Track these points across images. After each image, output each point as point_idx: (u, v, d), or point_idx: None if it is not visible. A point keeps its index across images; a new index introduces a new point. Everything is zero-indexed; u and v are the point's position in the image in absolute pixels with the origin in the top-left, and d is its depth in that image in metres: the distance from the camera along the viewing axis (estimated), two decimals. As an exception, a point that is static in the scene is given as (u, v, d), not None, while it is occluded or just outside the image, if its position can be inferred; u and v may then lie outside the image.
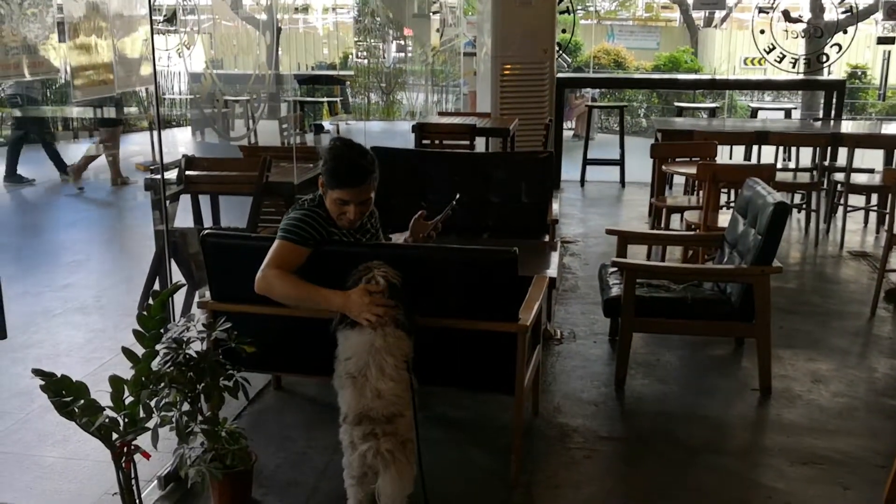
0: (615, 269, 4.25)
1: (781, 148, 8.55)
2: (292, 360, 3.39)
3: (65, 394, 2.32)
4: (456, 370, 3.21)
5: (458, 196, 3.59)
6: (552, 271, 4.15)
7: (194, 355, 2.76)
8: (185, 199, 5.02)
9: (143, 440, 2.66)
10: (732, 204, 7.25)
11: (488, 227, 5.27)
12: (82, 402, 2.31)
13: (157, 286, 4.22)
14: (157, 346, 2.68)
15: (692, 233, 5.41)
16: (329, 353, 2.89)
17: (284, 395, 3.97)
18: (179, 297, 4.28)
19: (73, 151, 10.27)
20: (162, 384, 2.52)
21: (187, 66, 5.79)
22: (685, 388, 4.11)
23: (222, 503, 2.99)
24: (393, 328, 2.73)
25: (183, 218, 5.19)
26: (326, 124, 11.77)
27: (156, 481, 3.10)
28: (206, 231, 3.20)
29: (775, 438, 3.61)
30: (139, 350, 2.63)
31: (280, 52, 8.25)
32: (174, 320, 3.08)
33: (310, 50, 17.26)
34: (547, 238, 5.05)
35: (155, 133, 5.89)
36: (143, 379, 2.49)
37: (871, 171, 7.52)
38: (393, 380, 2.72)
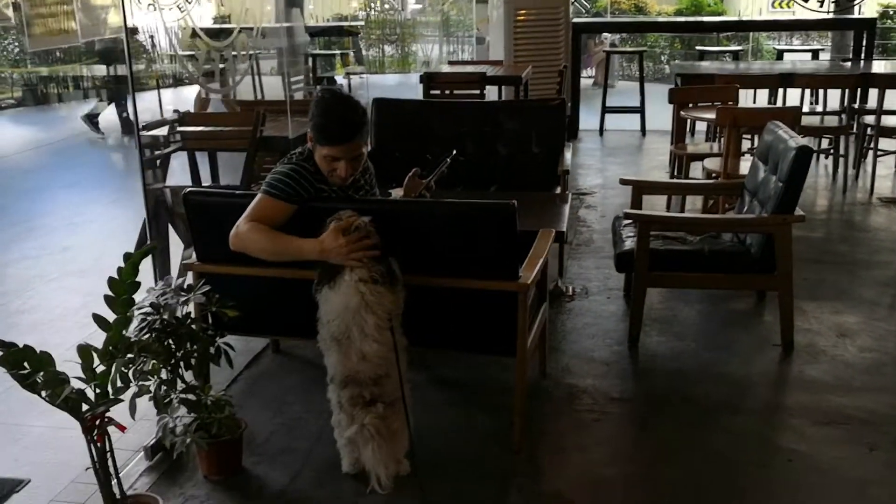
0: (629, 220, 4.03)
1: (808, 91, 8.21)
2: (283, 323, 3.23)
3: (26, 365, 2.17)
4: (454, 332, 3.04)
5: (454, 152, 3.38)
6: (560, 225, 3.94)
7: (173, 321, 2.60)
8: (184, 158, 4.86)
9: (122, 411, 2.52)
10: (754, 150, 6.97)
11: (496, 179, 5.06)
12: (42, 373, 2.16)
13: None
14: (135, 312, 2.53)
15: (709, 181, 5.16)
16: (316, 314, 2.73)
17: (283, 358, 3.82)
18: (176, 259, 4.17)
19: (81, 111, 10.15)
20: (133, 353, 2.36)
21: (190, 20, 5.59)
22: (703, 345, 3.91)
23: (210, 473, 2.86)
24: (371, 284, 2.55)
25: (181, 177, 5.04)
26: (339, 78, 11.51)
27: (142, 452, 2.97)
28: (189, 189, 3.03)
29: (797, 397, 3.41)
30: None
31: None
32: (161, 279, 2.92)
33: (325, 1, 16.91)
34: (558, 190, 4.83)
35: (157, 91, 5.71)
36: (112, 348, 2.33)
37: (902, 112, 7.18)
38: (377, 341, 2.58)
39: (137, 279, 2.45)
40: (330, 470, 2.89)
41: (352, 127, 2.80)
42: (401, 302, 2.68)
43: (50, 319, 4.37)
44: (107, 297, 2.44)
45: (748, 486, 2.82)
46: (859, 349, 3.82)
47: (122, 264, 2.47)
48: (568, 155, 5.02)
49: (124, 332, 2.47)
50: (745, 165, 5.25)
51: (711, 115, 5.56)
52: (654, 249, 3.79)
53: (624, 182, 4.51)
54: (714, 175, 5.30)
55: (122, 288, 2.43)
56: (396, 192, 3.65)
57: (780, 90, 7.22)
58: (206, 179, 4.95)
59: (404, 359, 2.72)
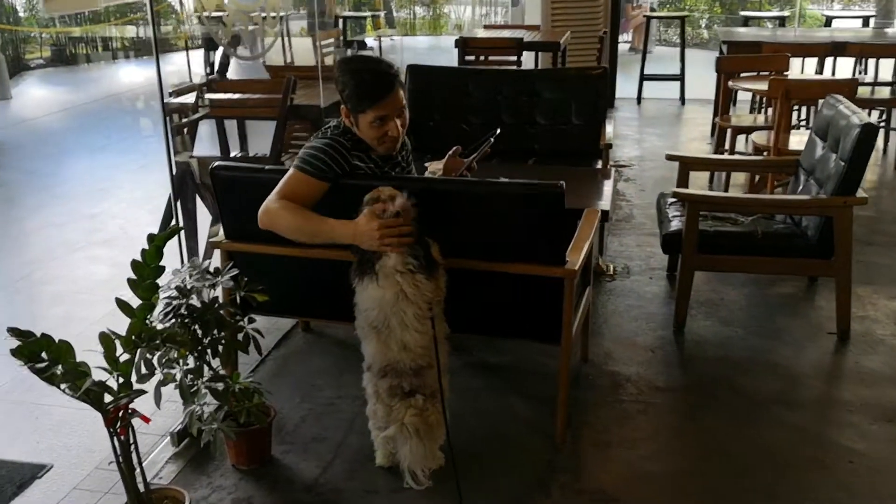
0: (675, 199, 3.83)
1: (856, 60, 7.88)
2: (315, 305, 3.09)
3: (44, 356, 2.03)
4: (496, 318, 2.88)
5: (497, 130, 3.18)
6: (605, 203, 3.74)
7: (198, 305, 2.46)
8: (212, 125, 4.71)
9: (146, 400, 2.40)
10: (803, 123, 6.69)
11: (535, 151, 4.88)
12: (61, 365, 2.03)
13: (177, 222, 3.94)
14: (160, 295, 2.39)
15: (762, 157, 4.93)
16: (352, 296, 2.58)
17: (312, 338, 3.69)
18: (204, 232, 4.03)
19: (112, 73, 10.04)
20: (158, 340, 2.23)
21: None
22: (751, 331, 3.72)
23: (239, 462, 2.74)
24: (408, 275, 2.39)
25: (209, 145, 4.89)
26: (369, 40, 11.28)
27: (168, 437, 2.86)
28: (216, 163, 2.87)
29: (855, 390, 3.22)
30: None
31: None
32: (188, 261, 2.78)
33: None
34: (599, 164, 4.63)
35: (185, 54, 5.51)
36: (136, 336, 2.20)
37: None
38: (417, 331, 2.43)
39: (162, 261, 2.30)
40: (363, 461, 2.76)
41: (387, 77, 2.64)
42: (442, 288, 2.52)
43: (75, 291, 4.26)
44: (130, 281, 2.30)
45: (806, 488, 2.65)
46: (919, 339, 3.62)
47: (147, 245, 2.33)
48: (609, 127, 4.81)
49: (148, 317, 2.33)
50: (794, 140, 5.01)
51: (762, 86, 5.30)
52: (703, 231, 3.59)
53: (671, 158, 4.30)
54: (762, 150, 5.06)
55: (146, 271, 2.28)
56: (433, 166, 3.48)
57: (830, 59, 6.92)
58: (234, 148, 4.81)
59: (445, 348, 2.57)
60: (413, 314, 2.40)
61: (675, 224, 3.72)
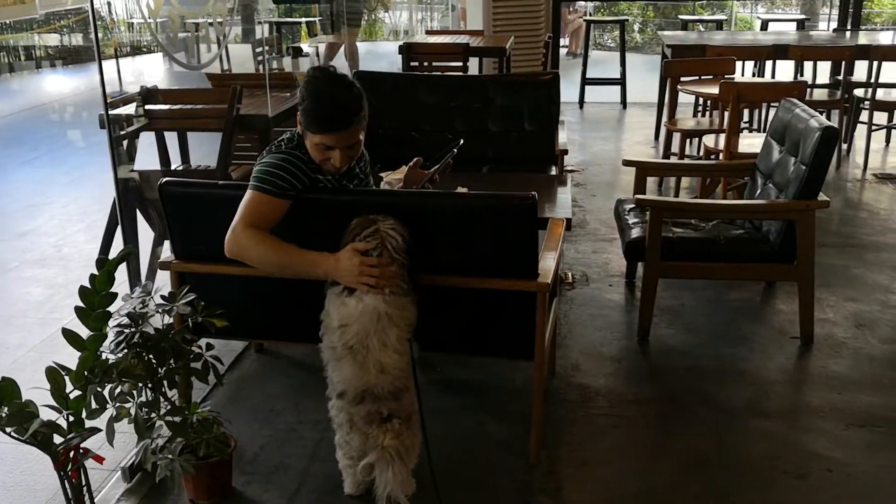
0: (636, 206, 3.77)
1: (793, 63, 8.00)
2: (275, 327, 2.92)
3: (-14, 397, 1.85)
4: (466, 335, 2.76)
5: (460, 141, 3.07)
6: (566, 211, 3.66)
7: (153, 333, 2.29)
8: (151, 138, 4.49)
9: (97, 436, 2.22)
10: (746, 125, 6.75)
11: (488, 158, 4.78)
12: (6, 407, 1.84)
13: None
14: (110, 325, 2.21)
15: (714, 161, 4.92)
16: (316, 316, 2.44)
17: (267, 360, 3.52)
18: (145, 252, 3.82)
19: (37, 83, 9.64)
20: (113, 374, 2.05)
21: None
22: (716, 338, 3.68)
23: (198, 497, 2.56)
24: (398, 296, 2.27)
25: (148, 158, 4.67)
26: (305, 46, 11.07)
27: (119, 472, 2.67)
28: (166, 178, 2.70)
29: (825, 396, 3.19)
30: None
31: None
32: (135, 284, 2.60)
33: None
34: (554, 170, 4.56)
35: (115, 61, 5.30)
36: (88, 371, 2.02)
37: (895, 85, 7.00)
38: (397, 352, 2.30)
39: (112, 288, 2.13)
40: (331, 490, 2.61)
41: (347, 112, 2.48)
42: (416, 308, 2.40)
43: (9, 315, 4.01)
44: (79, 311, 2.12)
45: (788, 499, 2.59)
46: (881, 340, 3.61)
47: (95, 270, 2.15)
48: (563, 134, 4.74)
49: (100, 349, 2.15)
50: (743, 143, 5.02)
51: (712, 90, 5.30)
52: (667, 237, 3.54)
53: (628, 163, 4.25)
54: (713, 153, 5.06)
55: (95, 299, 2.11)
56: (389, 177, 3.35)
57: (770, 62, 7.00)
58: (175, 160, 4.60)
59: (416, 370, 2.45)
60: (395, 336, 2.27)
61: (637, 231, 3.66)
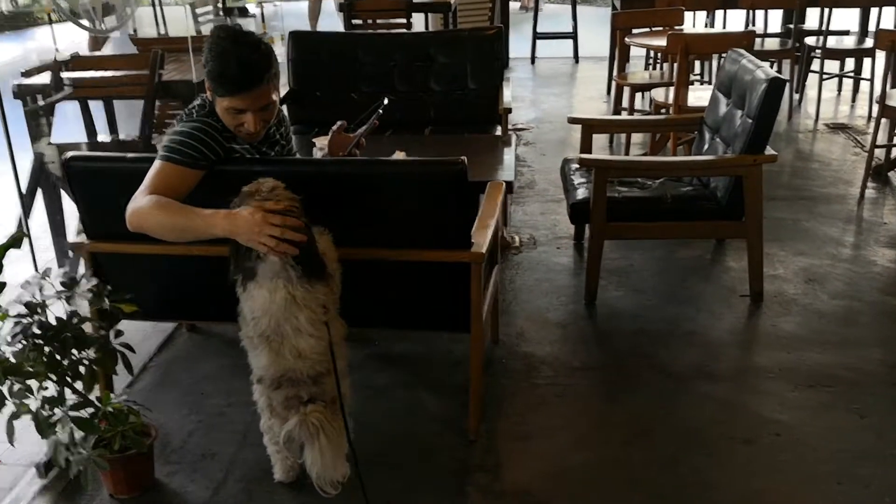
0: (581, 166, 3.64)
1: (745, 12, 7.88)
2: (200, 306, 2.77)
3: None
4: (398, 308, 2.63)
5: (385, 101, 2.90)
6: (508, 173, 3.53)
7: (54, 323, 2.12)
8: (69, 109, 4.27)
9: (-3, 435, 2.06)
10: (698, 78, 6.63)
11: (430, 119, 4.63)
12: None
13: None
14: (9, 314, 2.04)
15: (665, 116, 4.79)
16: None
17: (199, 339, 3.36)
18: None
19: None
20: (4, 369, 1.89)
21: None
22: (665, 299, 3.59)
23: (118, 492, 2.42)
24: (296, 282, 2.11)
25: (73, 130, 4.45)
26: (251, 6, 10.72)
27: (33, 469, 2.51)
28: (69, 154, 2.51)
29: (773, 355, 3.11)
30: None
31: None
32: (37, 271, 2.42)
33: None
34: (499, 131, 4.41)
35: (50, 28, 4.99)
36: (-26, 367, 1.86)
37: (846, 33, 6.92)
38: (313, 336, 2.15)
39: (2, 278, 1.96)
40: (260, 478, 2.49)
41: (254, 70, 2.30)
42: (337, 284, 2.25)
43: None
44: (-35, 302, 1.95)
45: (735, 466, 2.51)
46: (830, 296, 3.54)
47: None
48: (507, 91, 4.59)
49: (-8, 341, 1.99)
50: (692, 96, 4.90)
51: (660, 42, 5.16)
52: (612, 198, 3.42)
53: (573, 121, 4.11)
54: (663, 108, 4.93)
55: (-16, 288, 1.94)
56: (321, 142, 3.19)
57: (719, 12, 6.87)
58: (102, 132, 4.38)
59: (343, 351, 2.31)
60: (306, 319, 2.12)
61: (582, 192, 3.53)
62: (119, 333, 2.27)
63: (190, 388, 3.00)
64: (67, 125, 4.64)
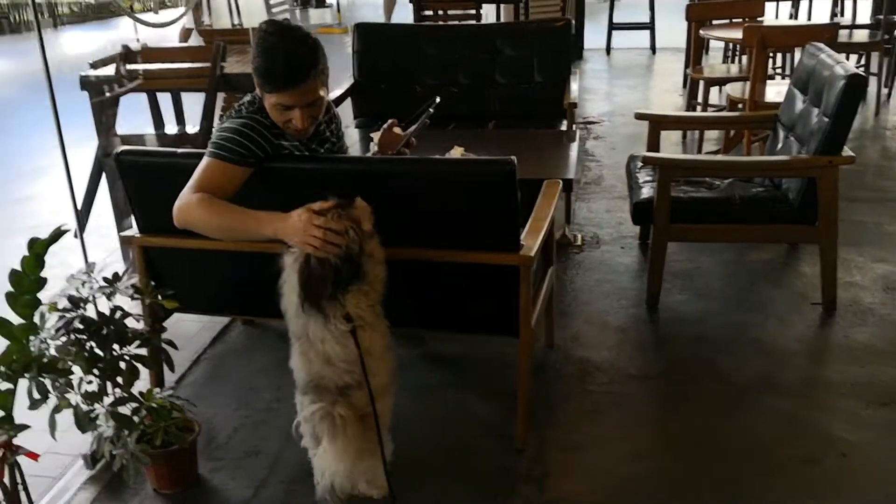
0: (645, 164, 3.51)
1: (831, 2, 7.54)
2: (247, 302, 2.76)
3: None
4: (445, 311, 2.57)
5: (437, 99, 2.83)
6: (569, 171, 3.42)
7: (96, 319, 2.12)
8: (142, 100, 4.32)
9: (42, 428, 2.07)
10: (779, 71, 6.37)
11: (494, 113, 4.55)
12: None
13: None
14: (45, 309, 2.05)
15: (738, 114, 4.60)
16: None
17: (255, 332, 3.36)
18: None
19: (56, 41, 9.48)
20: (32, 371, 1.89)
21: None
22: (731, 304, 3.44)
23: (161, 487, 2.42)
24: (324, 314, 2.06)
25: (142, 121, 4.51)
26: (328, -3, 10.78)
27: (81, 460, 2.53)
28: (122, 148, 2.52)
29: (846, 370, 2.94)
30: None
31: None
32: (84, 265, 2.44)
33: None
34: (564, 126, 4.30)
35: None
36: (13, 362, 1.86)
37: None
38: (339, 343, 2.09)
39: (44, 273, 1.96)
40: (302, 478, 2.44)
41: (301, 66, 2.26)
42: (377, 290, 2.18)
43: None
44: (8, 296, 1.96)
45: (797, 487, 2.37)
46: (911, 306, 3.34)
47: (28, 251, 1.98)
48: (575, 85, 4.46)
49: (37, 336, 1.99)
50: (771, 91, 4.69)
51: (736, 34, 4.96)
52: (677, 198, 3.28)
53: (640, 116, 3.96)
54: (738, 103, 4.73)
55: (25, 283, 1.94)
56: (377, 137, 3.13)
57: (805, 2, 6.58)
58: (171, 124, 4.43)
59: (386, 366, 2.21)
60: (324, 325, 2.07)
61: (647, 191, 3.40)
62: (162, 329, 2.26)
63: (241, 382, 2.99)
64: (140, 116, 4.71)
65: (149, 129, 4.37)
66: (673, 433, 2.66)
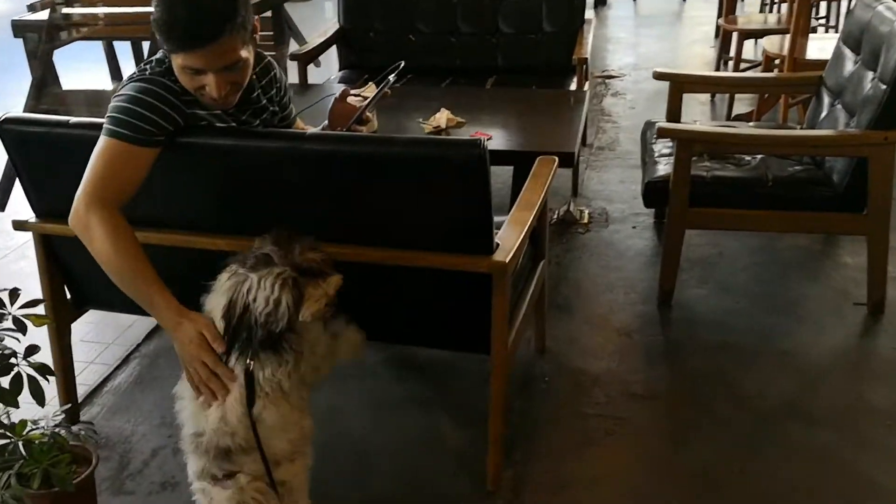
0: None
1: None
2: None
3: None
4: (400, 323, 2.09)
5: (401, 64, 2.30)
6: (571, 142, 2.90)
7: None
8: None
9: None
10: (822, 21, 5.73)
11: (496, 67, 4.02)
12: None
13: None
14: None
15: (773, 75, 4.02)
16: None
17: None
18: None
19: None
20: None
21: None
22: (758, 302, 2.93)
23: (50, 532, 1.99)
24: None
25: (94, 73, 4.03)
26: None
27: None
28: (4, 115, 2.04)
29: (893, 394, 2.44)
30: None
31: None
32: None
33: None
34: (574, 84, 3.75)
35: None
36: None
37: None
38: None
39: None
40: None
41: (211, 19, 1.74)
42: (311, 365, 1.71)
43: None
44: None
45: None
46: (974, 312, 2.82)
47: None
48: (589, 36, 3.91)
49: None
50: (813, 47, 4.10)
51: (775, -20, 4.34)
52: (698, 177, 2.76)
53: (660, 76, 3.40)
54: (775, 59, 4.15)
55: None
56: (351, 97, 2.63)
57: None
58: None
59: (299, 432, 1.73)
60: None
61: (663, 168, 2.88)
62: (32, 351, 1.79)
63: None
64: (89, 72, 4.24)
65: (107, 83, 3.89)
66: (678, 470, 2.18)
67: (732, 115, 4.57)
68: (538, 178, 2.33)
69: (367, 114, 2.18)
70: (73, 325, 2.38)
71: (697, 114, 4.74)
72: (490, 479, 2.10)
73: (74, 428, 1.96)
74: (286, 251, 1.63)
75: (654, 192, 2.84)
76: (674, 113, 3.29)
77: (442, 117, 3.05)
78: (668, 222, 2.81)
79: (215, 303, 1.67)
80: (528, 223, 2.07)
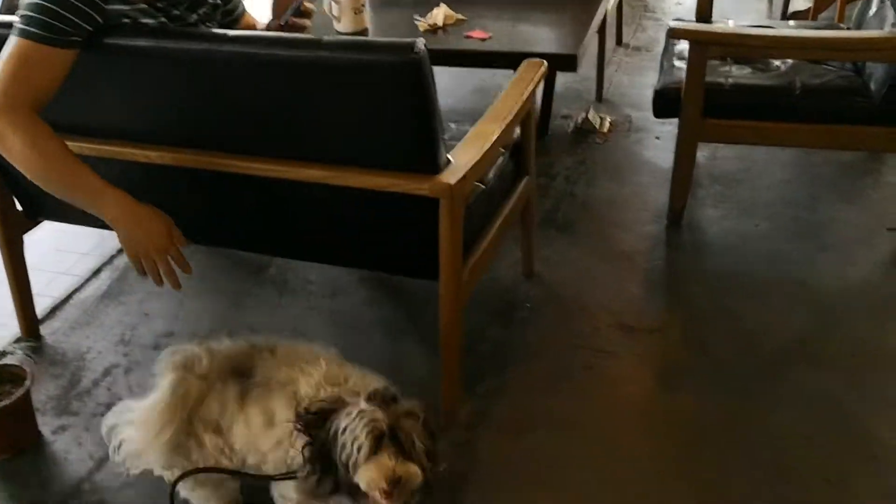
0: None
1: None
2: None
3: None
4: (341, 245, 1.91)
5: None
6: (574, 44, 2.60)
7: None
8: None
9: None
10: None
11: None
12: None
13: None
14: None
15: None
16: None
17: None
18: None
19: None
20: None
21: None
22: (780, 225, 2.65)
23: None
24: None
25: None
26: None
27: None
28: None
29: (919, 337, 2.17)
30: None
31: None
32: None
33: None
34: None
35: None
36: None
37: None
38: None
39: None
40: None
41: None
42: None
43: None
44: None
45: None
46: None
47: None
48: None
49: None
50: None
51: None
52: (715, 84, 2.45)
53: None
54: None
55: None
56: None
57: None
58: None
59: None
60: None
61: (678, 73, 2.58)
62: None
63: (138, 306, 2.43)
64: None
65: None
66: (664, 419, 1.97)
67: (789, 12, 4.14)
68: (519, 84, 2.08)
69: (307, 4, 1.92)
70: (48, 234, 2.28)
71: (752, 11, 4.32)
72: (442, 415, 1.94)
73: (10, 347, 1.87)
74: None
75: (664, 101, 2.56)
76: (705, 8, 2.95)
77: (440, 14, 2.78)
78: (679, 134, 2.52)
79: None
80: (494, 137, 1.83)
